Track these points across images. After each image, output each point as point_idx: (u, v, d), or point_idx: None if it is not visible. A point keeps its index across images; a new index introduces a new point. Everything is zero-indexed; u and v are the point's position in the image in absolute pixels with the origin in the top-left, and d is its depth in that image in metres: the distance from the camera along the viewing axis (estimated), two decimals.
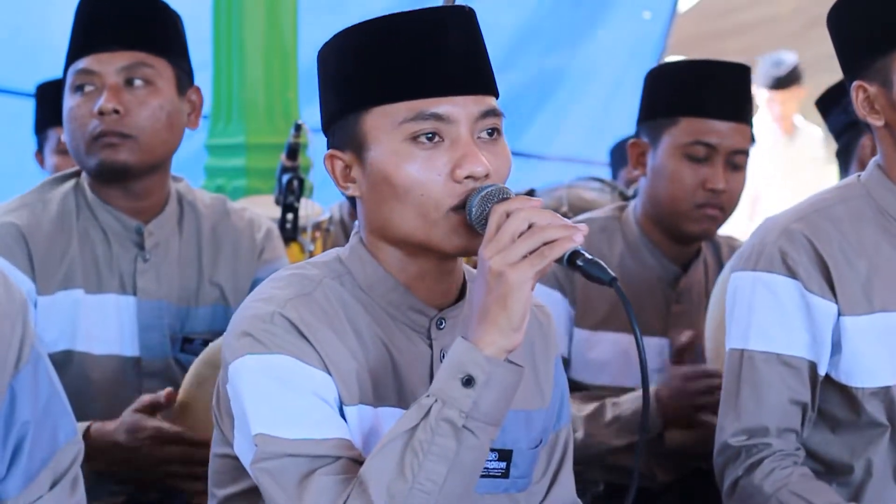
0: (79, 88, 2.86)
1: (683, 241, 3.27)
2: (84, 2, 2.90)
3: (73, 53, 2.88)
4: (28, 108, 4.57)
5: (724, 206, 3.19)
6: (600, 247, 3.25)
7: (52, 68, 4.60)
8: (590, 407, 3.12)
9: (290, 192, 3.73)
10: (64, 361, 2.82)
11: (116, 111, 2.81)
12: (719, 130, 3.16)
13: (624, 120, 7.20)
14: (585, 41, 6.97)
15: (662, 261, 3.27)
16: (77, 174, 2.97)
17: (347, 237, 2.10)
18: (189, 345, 2.80)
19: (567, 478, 2.20)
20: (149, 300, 2.91)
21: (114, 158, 2.83)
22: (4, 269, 2.76)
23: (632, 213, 3.31)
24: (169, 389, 2.70)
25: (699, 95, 3.17)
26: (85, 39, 2.87)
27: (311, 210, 3.86)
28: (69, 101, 2.87)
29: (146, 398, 2.71)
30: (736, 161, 3.18)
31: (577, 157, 7.14)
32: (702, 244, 3.33)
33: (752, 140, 3.23)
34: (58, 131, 4.08)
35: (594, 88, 7.08)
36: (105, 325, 2.89)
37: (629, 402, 3.10)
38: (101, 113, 2.81)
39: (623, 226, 3.30)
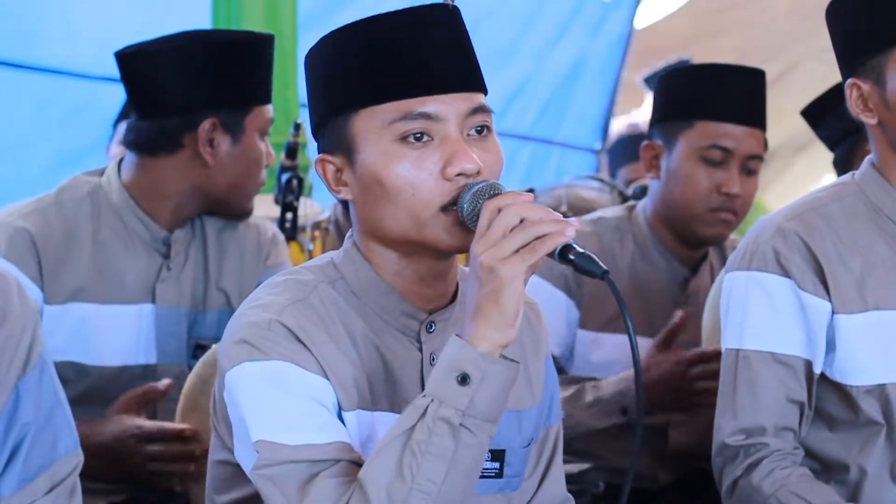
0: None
1: (695, 244, 3.27)
2: None
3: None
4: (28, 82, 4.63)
5: (738, 210, 3.20)
6: (612, 246, 3.26)
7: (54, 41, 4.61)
8: (570, 389, 3.11)
9: (290, 191, 3.72)
10: (74, 373, 2.82)
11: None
12: (735, 134, 3.17)
13: (584, 101, 7.16)
14: (541, 20, 6.95)
15: (672, 263, 3.28)
16: (100, 174, 2.96)
17: (342, 238, 2.10)
18: (201, 351, 2.79)
19: (557, 473, 2.19)
20: (167, 306, 2.92)
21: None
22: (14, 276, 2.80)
23: (641, 215, 3.31)
24: (168, 380, 2.72)
25: (716, 99, 3.18)
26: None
27: (310, 209, 3.86)
28: (260, 143, 2.95)
29: (128, 395, 2.72)
30: (750, 166, 3.19)
31: (531, 135, 7.15)
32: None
33: (765, 146, 3.23)
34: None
35: (547, 68, 7.06)
36: (122, 335, 2.89)
37: (609, 385, 3.09)
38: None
39: (633, 227, 3.30)
